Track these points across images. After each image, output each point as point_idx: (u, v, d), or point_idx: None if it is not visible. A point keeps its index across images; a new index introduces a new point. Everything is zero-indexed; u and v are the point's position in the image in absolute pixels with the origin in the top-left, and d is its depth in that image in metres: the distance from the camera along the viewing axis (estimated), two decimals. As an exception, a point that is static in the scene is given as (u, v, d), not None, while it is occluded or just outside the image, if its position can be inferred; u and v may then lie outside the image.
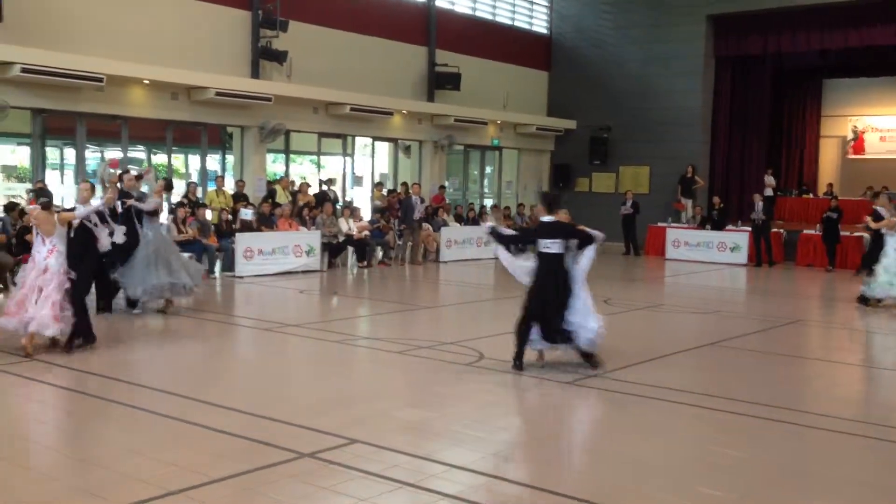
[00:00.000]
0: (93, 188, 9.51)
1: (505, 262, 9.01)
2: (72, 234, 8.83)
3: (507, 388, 7.91)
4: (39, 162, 15.34)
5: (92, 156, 16.77)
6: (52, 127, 15.59)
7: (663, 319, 12.44)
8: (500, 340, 10.11)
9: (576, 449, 6.49)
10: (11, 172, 16.65)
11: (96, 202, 9.34)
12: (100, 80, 14.74)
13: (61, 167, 16.92)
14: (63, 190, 15.70)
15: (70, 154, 16.51)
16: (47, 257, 8.53)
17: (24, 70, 13.83)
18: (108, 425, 6.46)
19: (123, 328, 10.26)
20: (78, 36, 15.14)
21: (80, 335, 8.67)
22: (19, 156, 16.11)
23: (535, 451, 6.21)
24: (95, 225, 9.13)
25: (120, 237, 9.68)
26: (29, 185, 14.06)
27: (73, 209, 9.17)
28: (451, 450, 6.00)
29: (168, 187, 11.59)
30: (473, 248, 19.71)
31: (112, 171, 10.73)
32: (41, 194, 9.11)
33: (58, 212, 8.90)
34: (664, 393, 7.66)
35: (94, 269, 9.36)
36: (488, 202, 24.09)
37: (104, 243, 9.26)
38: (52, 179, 15.80)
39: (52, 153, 16.47)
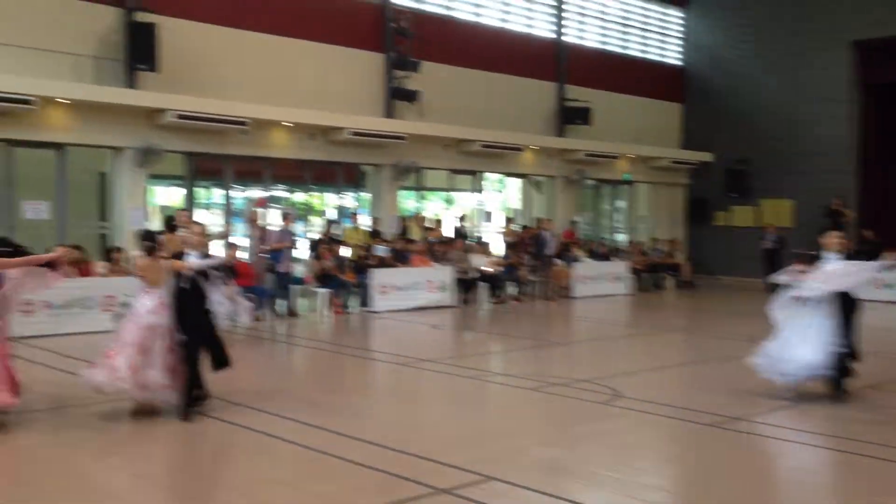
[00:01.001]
0: (205, 232, 8.19)
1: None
2: (184, 285, 7.54)
3: (645, 428, 7.66)
4: (190, 202, 16.30)
5: (237, 195, 17.65)
6: (201, 168, 16.52)
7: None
8: (636, 379, 9.85)
9: (717, 496, 6.18)
10: (167, 212, 17.68)
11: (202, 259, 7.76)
12: (245, 123, 15.56)
13: (210, 206, 17.88)
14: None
15: (217, 194, 17.45)
16: (155, 312, 7.44)
17: (177, 116, 14.77)
18: (252, 455, 6.66)
19: (259, 358, 10.63)
20: (225, 83, 16.05)
21: (197, 399, 7.62)
22: (173, 196, 17.13)
23: (676, 496, 5.96)
24: (206, 278, 7.65)
25: (225, 304, 7.99)
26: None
27: (180, 254, 7.74)
28: (590, 491, 5.85)
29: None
30: (606, 283, 19.37)
31: (259, 209, 10.59)
32: (145, 238, 7.85)
33: (165, 257, 7.73)
34: (812, 438, 7.23)
35: (209, 329, 7.74)
36: (621, 237, 23.68)
37: (213, 301, 7.70)
38: (202, 218, 16.69)
39: (201, 193, 17.44)
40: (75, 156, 14.76)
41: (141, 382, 7.28)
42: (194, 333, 7.49)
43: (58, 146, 14.44)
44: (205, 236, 8.08)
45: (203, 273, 7.62)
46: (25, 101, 13.28)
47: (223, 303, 7.81)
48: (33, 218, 13.94)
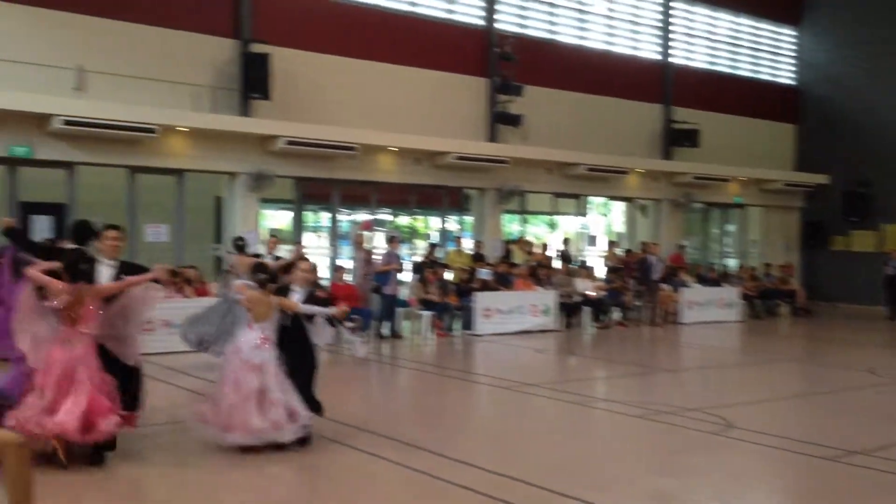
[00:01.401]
0: (315, 269, 7.91)
1: None
2: (286, 323, 7.35)
3: (757, 460, 7.36)
4: (299, 225, 16.77)
5: (344, 219, 18.06)
6: (309, 193, 17.00)
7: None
8: (748, 409, 9.50)
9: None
10: (277, 235, 18.26)
11: (319, 307, 7.55)
12: (353, 149, 15.93)
13: (317, 230, 18.37)
14: (319, 251, 17.00)
15: (325, 217, 17.90)
16: (259, 347, 7.08)
17: (288, 143, 15.27)
18: (359, 477, 6.73)
19: (364, 380, 10.74)
20: (334, 110, 16.50)
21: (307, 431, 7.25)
22: (282, 219, 17.67)
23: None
24: (311, 320, 7.53)
25: (329, 335, 7.95)
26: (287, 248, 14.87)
27: (285, 288, 7.52)
28: (701, 523, 5.65)
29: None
30: (715, 309, 18.79)
31: (365, 233, 10.59)
32: (258, 270, 7.50)
33: (273, 292, 7.33)
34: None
35: (309, 366, 7.58)
36: (731, 262, 22.96)
37: (317, 334, 7.63)
38: (309, 240, 17.17)
39: (309, 217, 17.93)
40: (193, 181, 15.44)
41: (271, 424, 6.98)
42: (294, 368, 7.25)
43: (177, 172, 15.14)
44: (313, 273, 7.78)
45: (311, 317, 7.47)
46: (148, 130, 14.01)
47: (329, 332, 7.68)
48: (154, 241, 14.61)
